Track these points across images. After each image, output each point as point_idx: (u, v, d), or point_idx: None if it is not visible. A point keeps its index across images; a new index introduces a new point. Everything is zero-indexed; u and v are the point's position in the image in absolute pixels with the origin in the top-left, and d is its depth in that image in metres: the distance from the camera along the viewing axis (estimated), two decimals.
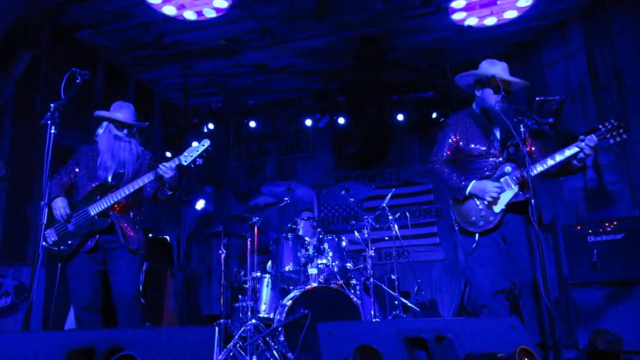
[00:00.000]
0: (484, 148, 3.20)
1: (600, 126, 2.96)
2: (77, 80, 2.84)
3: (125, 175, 3.48)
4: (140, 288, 3.45)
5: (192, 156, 3.37)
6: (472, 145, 3.23)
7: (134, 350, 1.84)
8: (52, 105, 2.74)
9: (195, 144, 3.47)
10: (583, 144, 2.93)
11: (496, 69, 3.22)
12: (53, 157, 2.73)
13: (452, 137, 3.31)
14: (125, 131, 3.55)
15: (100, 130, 3.58)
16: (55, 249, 3.36)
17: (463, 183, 3.17)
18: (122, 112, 3.59)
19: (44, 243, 3.35)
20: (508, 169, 3.10)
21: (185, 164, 3.36)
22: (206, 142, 3.39)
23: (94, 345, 1.90)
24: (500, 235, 3.13)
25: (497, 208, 3.08)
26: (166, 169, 3.32)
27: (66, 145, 3.59)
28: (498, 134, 3.20)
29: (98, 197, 3.36)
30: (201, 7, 5.33)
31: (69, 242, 3.34)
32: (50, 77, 5.34)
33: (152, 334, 1.99)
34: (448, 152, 3.31)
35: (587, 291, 4.29)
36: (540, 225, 3.12)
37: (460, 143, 3.28)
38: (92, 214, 3.34)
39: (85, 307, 3.34)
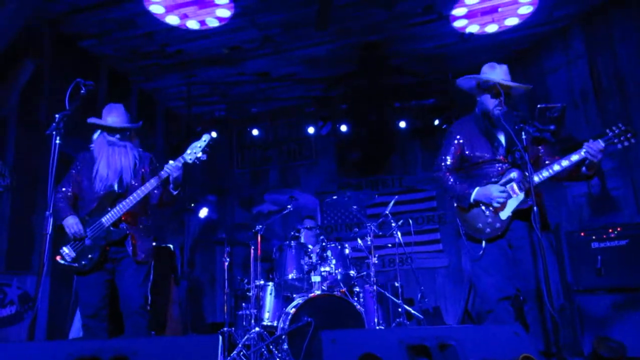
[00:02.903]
0: (489, 155, 3.17)
1: (607, 130, 2.91)
2: (82, 91, 2.86)
3: (130, 182, 3.49)
4: (149, 295, 3.45)
5: (195, 153, 3.39)
6: (477, 153, 3.21)
7: (138, 359, 1.85)
8: (57, 115, 2.76)
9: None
10: (588, 148, 2.88)
11: (495, 72, 3.21)
12: (57, 166, 2.74)
13: (455, 144, 3.29)
14: (117, 135, 3.53)
15: (95, 136, 3.58)
16: (76, 265, 3.33)
17: (467, 190, 3.14)
18: (111, 115, 3.55)
19: (62, 262, 3.34)
20: (514, 174, 3.06)
21: (190, 162, 3.39)
22: (207, 137, 3.42)
23: (98, 354, 1.90)
24: (507, 242, 3.10)
25: (504, 214, 3.05)
26: (173, 169, 3.34)
27: (69, 154, 3.60)
28: (503, 139, 3.16)
29: (108, 208, 3.36)
30: (204, 16, 5.38)
31: (89, 256, 3.32)
32: (54, 86, 5.37)
33: (157, 343, 1.99)
34: (452, 160, 3.29)
35: (591, 298, 4.27)
36: (547, 230, 3.12)
37: (465, 150, 3.26)
38: (106, 225, 3.34)
39: (92, 315, 3.35)
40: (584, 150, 2.90)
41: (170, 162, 3.37)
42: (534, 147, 3.19)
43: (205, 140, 3.40)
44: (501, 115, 3.03)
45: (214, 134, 7.26)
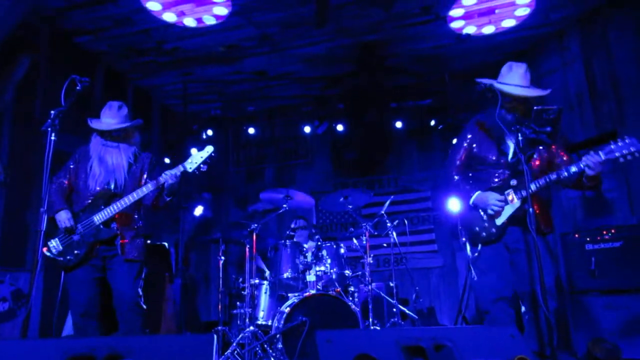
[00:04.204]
0: (494, 158, 3.17)
1: (611, 142, 2.83)
2: (78, 87, 2.84)
3: (126, 182, 3.47)
4: (141, 293, 3.44)
5: (196, 163, 3.39)
6: (483, 153, 3.21)
7: (134, 358, 1.84)
8: (52, 112, 2.73)
9: (194, 151, 3.48)
10: (587, 161, 2.83)
11: (511, 75, 3.11)
12: (52, 163, 2.72)
13: (466, 142, 3.29)
14: (109, 137, 3.51)
15: (92, 137, 3.57)
16: (61, 259, 3.32)
17: (468, 193, 3.15)
18: (105, 116, 3.55)
19: (48, 254, 3.33)
20: (514, 182, 3.06)
21: (190, 171, 3.38)
22: (210, 149, 3.41)
23: (93, 352, 1.89)
24: (504, 245, 3.11)
25: (499, 221, 3.07)
26: (171, 176, 3.33)
27: (64, 150, 3.56)
28: (511, 144, 3.10)
29: (102, 207, 3.35)
30: (201, 14, 5.36)
31: (75, 251, 3.31)
32: (49, 82, 5.35)
33: (152, 341, 1.98)
34: (462, 157, 3.29)
35: (585, 299, 4.29)
36: (549, 232, 3.12)
37: (473, 149, 3.25)
38: (97, 223, 3.32)
39: (82, 313, 3.33)
40: (582, 162, 2.86)
41: (169, 170, 3.36)
42: (549, 151, 3.14)
43: (208, 152, 3.40)
44: (512, 120, 2.99)
45: (210, 132, 7.36)
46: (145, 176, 3.56)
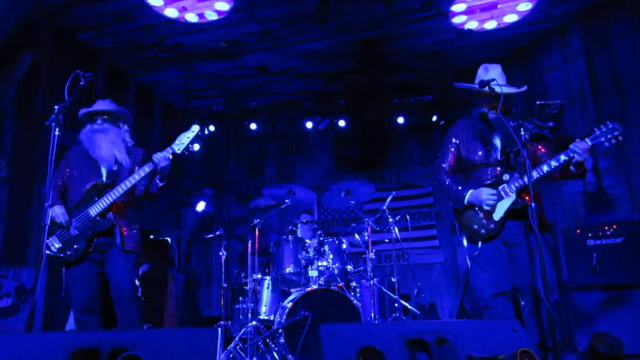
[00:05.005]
0: (483, 157, 3.22)
1: (595, 129, 2.91)
2: (81, 83, 2.85)
3: (118, 171, 3.46)
4: (137, 283, 3.44)
5: (183, 144, 3.39)
6: (472, 154, 3.26)
7: (138, 351, 1.86)
8: (56, 107, 2.74)
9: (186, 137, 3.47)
10: (575, 148, 2.90)
11: (489, 75, 3.19)
12: (55, 158, 2.72)
13: (453, 146, 3.35)
14: (99, 120, 3.50)
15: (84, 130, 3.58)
16: (62, 255, 3.32)
17: (462, 193, 3.19)
18: (95, 104, 3.58)
19: (47, 251, 3.32)
20: (506, 176, 3.10)
21: (179, 152, 3.37)
22: (195, 128, 3.41)
23: (97, 346, 1.91)
24: (502, 240, 3.14)
25: (497, 216, 3.09)
26: (161, 158, 3.32)
27: (66, 146, 3.58)
28: (498, 141, 3.18)
29: (95, 198, 3.34)
30: (203, 9, 5.36)
31: (75, 246, 3.31)
32: (51, 78, 5.35)
33: (156, 335, 2.00)
34: (450, 162, 3.35)
35: (586, 294, 4.30)
36: (546, 230, 3.14)
37: (461, 152, 3.31)
38: (93, 215, 3.32)
39: (83, 308, 3.34)
40: (571, 150, 2.92)
41: (159, 153, 3.35)
42: (530, 145, 3.19)
43: (194, 131, 3.40)
44: (496, 118, 3.04)
45: (211, 128, 7.37)
46: (137, 169, 3.56)
